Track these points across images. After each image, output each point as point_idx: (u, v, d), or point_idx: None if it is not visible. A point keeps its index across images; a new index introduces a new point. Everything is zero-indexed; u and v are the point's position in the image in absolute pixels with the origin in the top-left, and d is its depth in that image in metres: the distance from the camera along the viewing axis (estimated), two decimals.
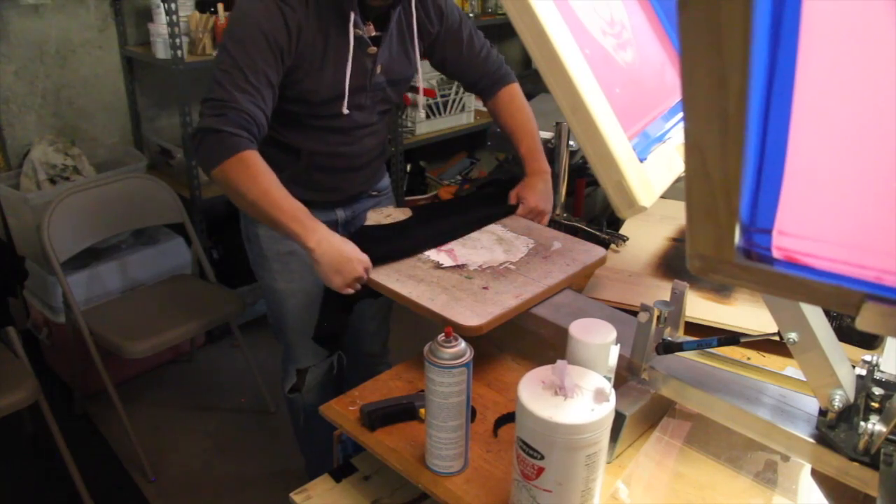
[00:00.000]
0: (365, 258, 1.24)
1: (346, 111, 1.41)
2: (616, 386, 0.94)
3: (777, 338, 0.85)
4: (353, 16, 1.34)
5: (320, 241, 1.23)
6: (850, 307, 0.41)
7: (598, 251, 1.35)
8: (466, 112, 3.46)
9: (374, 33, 1.41)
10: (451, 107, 3.39)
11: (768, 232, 0.44)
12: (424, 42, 1.54)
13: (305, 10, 1.32)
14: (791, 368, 1.02)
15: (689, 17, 0.35)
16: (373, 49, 1.41)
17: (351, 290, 1.26)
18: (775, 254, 0.44)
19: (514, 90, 1.62)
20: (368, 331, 1.82)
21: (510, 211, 1.48)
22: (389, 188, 1.78)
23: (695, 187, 0.43)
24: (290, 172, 1.48)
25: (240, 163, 1.24)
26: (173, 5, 2.35)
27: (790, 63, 0.37)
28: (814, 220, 0.42)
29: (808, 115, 0.39)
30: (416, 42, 1.49)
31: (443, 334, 0.91)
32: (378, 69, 1.44)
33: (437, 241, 1.35)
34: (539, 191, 1.49)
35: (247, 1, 1.31)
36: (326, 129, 1.46)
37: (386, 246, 1.31)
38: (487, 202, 1.53)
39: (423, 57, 1.54)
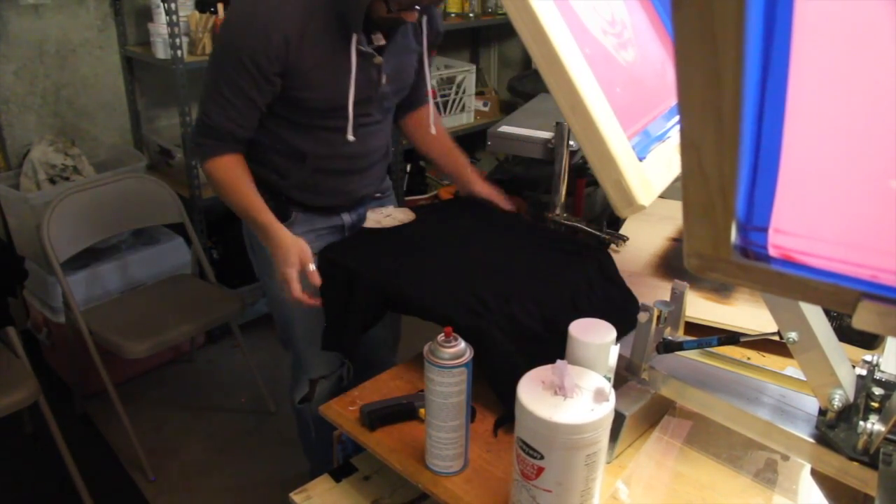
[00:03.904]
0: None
1: (350, 138, 1.41)
2: (616, 386, 0.94)
3: (777, 337, 0.85)
4: (355, 37, 1.32)
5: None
6: (846, 305, 0.41)
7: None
8: (466, 112, 3.46)
9: (382, 42, 1.39)
10: (451, 107, 3.39)
11: (764, 230, 0.44)
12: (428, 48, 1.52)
13: (306, 20, 1.30)
14: (791, 368, 1.02)
15: (683, 16, 0.35)
16: (378, 59, 1.39)
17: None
18: (772, 252, 0.44)
19: (433, 110, 1.64)
20: (380, 337, 1.81)
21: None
22: (391, 189, 1.77)
23: (691, 186, 0.43)
24: (296, 179, 1.49)
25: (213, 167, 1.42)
26: (173, 5, 2.35)
27: (783, 61, 0.37)
28: (809, 218, 0.42)
29: (802, 113, 0.39)
30: (424, 49, 1.48)
31: (443, 334, 0.91)
32: (384, 80, 1.43)
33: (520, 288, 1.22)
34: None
35: (234, 13, 1.35)
36: (332, 129, 1.45)
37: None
38: (488, 203, 1.53)
39: None
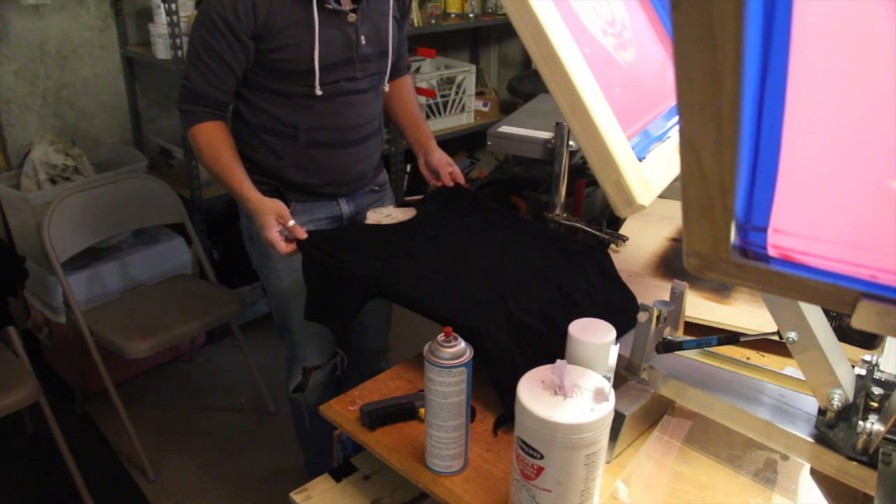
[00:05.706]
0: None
1: (318, 92, 1.45)
2: (616, 386, 0.94)
3: (776, 337, 0.85)
4: None
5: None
6: (845, 305, 0.41)
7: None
8: (466, 112, 3.46)
9: (351, 6, 1.45)
10: (451, 107, 3.39)
11: (763, 230, 0.44)
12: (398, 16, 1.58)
13: None
14: (791, 368, 1.02)
15: (682, 16, 0.35)
16: (352, 17, 1.44)
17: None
18: (771, 252, 0.44)
19: (410, 81, 1.75)
20: (373, 327, 1.82)
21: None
22: (388, 183, 1.79)
23: (690, 186, 0.43)
24: (292, 157, 1.53)
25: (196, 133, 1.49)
26: (173, 5, 2.35)
27: (782, 62, 0.37)
28: (809, 218, 0.42)
29: (801, 113, 0.39)
30: (390, 16, 1.53)
31: (443, 334, 0.91)
32: (362, 40, 1.47)
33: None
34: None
35: None
36: (317, 98, 1.48)
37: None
38: (489, 204, 1.53)
39: None
